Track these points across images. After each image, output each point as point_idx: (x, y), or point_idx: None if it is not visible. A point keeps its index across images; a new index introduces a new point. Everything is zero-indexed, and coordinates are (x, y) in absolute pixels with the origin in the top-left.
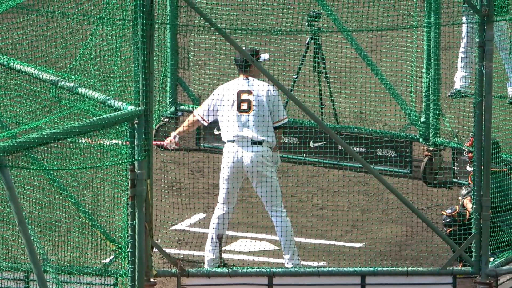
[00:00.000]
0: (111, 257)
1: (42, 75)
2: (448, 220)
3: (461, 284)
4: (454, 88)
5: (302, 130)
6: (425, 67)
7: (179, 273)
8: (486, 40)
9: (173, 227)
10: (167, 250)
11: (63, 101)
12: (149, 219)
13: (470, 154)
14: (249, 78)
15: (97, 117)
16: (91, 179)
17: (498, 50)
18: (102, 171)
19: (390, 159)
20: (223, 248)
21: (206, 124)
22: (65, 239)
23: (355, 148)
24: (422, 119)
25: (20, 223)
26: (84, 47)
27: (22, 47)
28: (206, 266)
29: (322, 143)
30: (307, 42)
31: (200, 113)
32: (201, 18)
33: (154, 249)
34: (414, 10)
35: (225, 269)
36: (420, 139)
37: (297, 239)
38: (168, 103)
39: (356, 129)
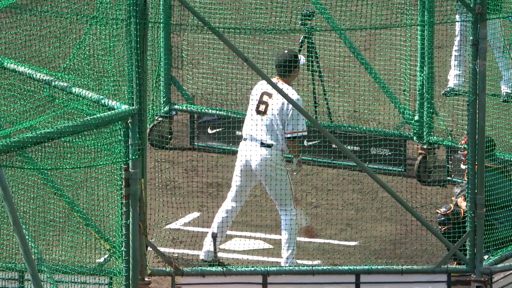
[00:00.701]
0: (106, 256)
1: (36, 75)
2: (442, 218)
3: (455, 282)
4: (448, 86)
5: None
6: (418, 66)
7: (174, 272)
8: (480, 38)
9: (167, 226)
10: (162, 249)
11: (57, 100)
12: (143, 218)
13: (465, 152)
14: (279, 82)
15: (91, 117)
16: (85, 178)
17: (491, 48)
18: (96, 171)
19: (384, 158)
20: (218, 247)
21: None
22: (60, 239)
23: (349, 147)
24: (416, 117)
25: (14, 222)
26: (78, 47)
27: (16, 46)
28: (201, 257)
29: (316, 141)
30: (300, 40)
31: None
32: (195, 17)
33: (149, 248)
34: (408, 8)
35: (219, 268)
36: (414, 138)
37: None
38: (162, 102)
39: (350, 128)
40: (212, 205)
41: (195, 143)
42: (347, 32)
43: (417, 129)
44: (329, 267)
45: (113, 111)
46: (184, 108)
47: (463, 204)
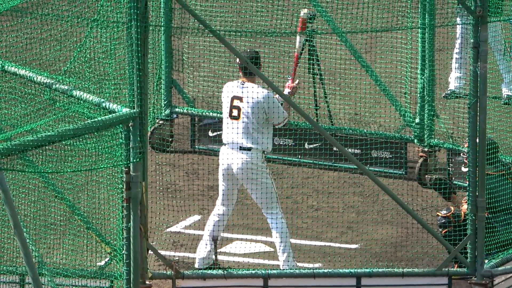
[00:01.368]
0: (106, 259)
1: (37, 78)
2: (443, 221)
3: (456, 285)
4: (448, 89)
5: (297, 132)
6: (419, 68)
7: (175, 275)
8: (481, 41)
9: (168, 229)
10: (162, 252)
11: (57, 103)
12: (144, 221)
13: None
14: (245, 83)
15: (92, 120)
16: (86, 181)
17: (492, 51)
18: (97, 174)
19: (385, 160)
20: (218, 250)
21: None
22: (60, 242)
23: (350, 150)
24: (417, 120)
25: (15, 226)
26: (79, 50)
27: (17, 49)
28: (196, 265)
29: (317, 144)
30: (302, 43)
31: None
32: (195, 20)
33: (150, 251)
34: (409, 11)
35: (220, 271)
36: (415, 140)
37: (292, 240)
38: (163, 105)
39: (351, 131)
40: (213, 208)
41: (196, 146)
42: (348, 34)
43: (418, 132)
44: (330, 270)
45: (114, 114)
46: (185, 111)
47: (464, 206)
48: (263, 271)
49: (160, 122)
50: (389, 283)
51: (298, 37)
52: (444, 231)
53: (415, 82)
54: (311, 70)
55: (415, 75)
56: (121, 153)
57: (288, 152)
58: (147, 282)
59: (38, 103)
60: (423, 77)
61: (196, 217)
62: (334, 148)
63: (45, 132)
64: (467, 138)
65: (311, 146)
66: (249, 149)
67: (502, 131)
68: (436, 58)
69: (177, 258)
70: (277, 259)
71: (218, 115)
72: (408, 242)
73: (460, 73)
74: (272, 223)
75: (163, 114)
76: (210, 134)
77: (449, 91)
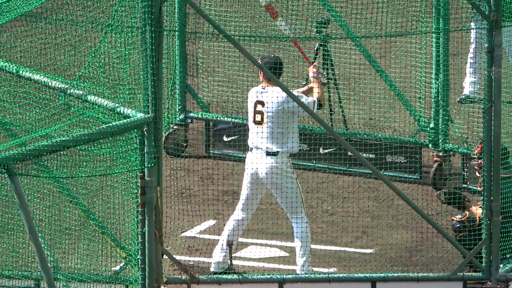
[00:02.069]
0: (121, 264)
1: (51, 83)
2: (458, 225)
3: None
4: (463, 93)
5: (312, 137)
6: (434, 73)
7: (190, 280)
8: (495, 45)
9: (183, 234)
10: (177, 257)
11: (72, 108)
12: (159, 226)
13: (480, 161)
14: (266, 87)
15: (107, 125)
16: (101, 186)
17: (507, 56)
18: (112, 179)
19: (400, 165)
20: (233, 255)
21: None
22: (75, 247)
23: (364, 154)
24: (432, 125)
25: (30, 231)
26: (93, 55)
27: (31, 55)
28: (211, 269)
29: (331, 149)
30: (316, 48)
31: None
32: (210, 25)
33: (164, 256)
34: (423, 16)
35: (235, 276)
36: (430, 145)
37: None
38: (177, 110)
39: (365, 135)
40: (227, 213)
41: (211, 151)
42: (363, 39)
43: (432, 137)
44: (345, 275)
45: (128, 119)
46: (199, 116)
47: (478, 211)
48: (278, 276)
49: (175, 127)
50: (404, 287)
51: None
52: (459, 235)
53: (430, 87)
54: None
55: (429, 79)
56: (135, 158)
57: (303, 157)
58: (162, 287)
59: (53, 108)
60: (437, 82)
61: (211, 222)
62: (349, 153)
63: (59, 137)
64: (477, 144)
65: (326, 151)
66: (275, 153)
67: None
68: (451, 63)
69: (192, 262)
70: (293, 264)
71: (233, 120)
72: (423, 247)
73: (474, 77)
74: (296, 227)
75: (178, 119)
76: (225, 139)
77: (463, 96)
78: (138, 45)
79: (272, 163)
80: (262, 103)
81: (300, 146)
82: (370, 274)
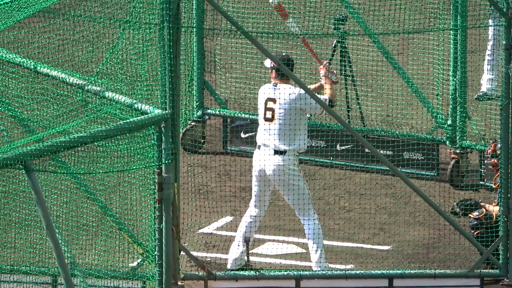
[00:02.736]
0: (139, 260)
1: (69, 79)
2: (475, 222)
3: (488, 287)
4: (480, 90)
5: (329, 133)
6: (451, 70)
7: (207, 276)
8: None
9: (200, 230)
10: (195, 253)
11: (90, 105)
12: (176, 222)
13: (493, 160)
14: (278, 84)
15: (124, 121)
16: (118, 182)
17: None
18: (129, 175)
19: (417, 162)
20: (250, 251)
21: None
22: (93, 243)
23: (382, 151)
24: (449, 121)
25: (47, 227)
26: (111, 51)
27: (49, 51)
28: (228, 266)
29: (349, 146)
30: (333, 45)
31: None
32: (228, 22)
33: (182, 252)
34: (441, 13)
35: (252, 272)
36: (447, 142)
37: (325, 242)
38: (195, 106)
39: (382, 132)
40: (245, 209)
41: (228, 148)
42: (380, 36)
43: (450, 134)
44: (362, 272)
45: (146, 116)
46: (217, 112)
47: (495, 208)
48: (295, 272)
49: (192, 123)
50: (421, 284)
51: (293, 24)
52: (476, 232)
53: (447, 83)
54: (343, 72)
55: (447, 76)
56: (153, 154)
57: (320, 153)
58: (179, 283)
59: (71, 104)
60: (455, 79)
61: (228, 219)
62: (366, 150)
63: (77, 133)
64: (490, 142)
65: (343, 147)
66: (283, 152)
67: None
68: (468, 60)
69: (209, 259)
70: (309, 260)
71: (250, 116)
72: (440, 244)
73: (492, 75)
74: (305, 224)
75: (195, 115)
76: (242, 135)
77: (481, 93)
78: (156, 42)
79: (279, 162)
80: (273, 100)
81: (307, 144)
82: (387, 271)
